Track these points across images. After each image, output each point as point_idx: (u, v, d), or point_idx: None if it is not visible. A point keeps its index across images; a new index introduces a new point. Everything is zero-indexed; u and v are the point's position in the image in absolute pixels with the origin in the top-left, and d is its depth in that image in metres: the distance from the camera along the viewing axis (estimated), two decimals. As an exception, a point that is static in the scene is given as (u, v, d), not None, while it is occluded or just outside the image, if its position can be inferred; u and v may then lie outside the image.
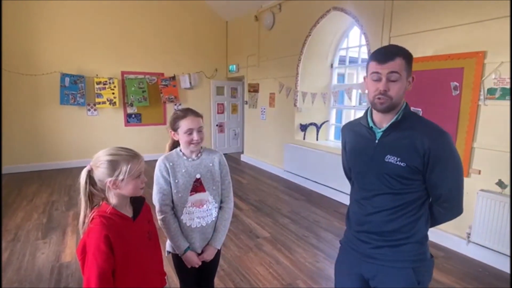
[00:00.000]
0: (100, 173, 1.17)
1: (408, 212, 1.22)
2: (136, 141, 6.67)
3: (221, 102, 7.71)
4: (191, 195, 1.60)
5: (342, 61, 5.45)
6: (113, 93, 6.34)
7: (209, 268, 1.75)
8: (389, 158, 1.20)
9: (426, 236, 1.28)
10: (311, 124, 5.39)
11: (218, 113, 7.69)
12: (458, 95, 3.01)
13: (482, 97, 2.85)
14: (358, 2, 4.03)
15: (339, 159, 1.66)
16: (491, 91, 2.80)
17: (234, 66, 7.23)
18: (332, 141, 5.50)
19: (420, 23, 3.32)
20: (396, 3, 3.56)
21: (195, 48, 7.21)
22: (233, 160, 7.18)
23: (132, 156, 1.21)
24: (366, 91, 1.26)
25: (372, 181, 1.26)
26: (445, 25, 3.10)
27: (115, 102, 6.37)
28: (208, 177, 1.63)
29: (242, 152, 7.43)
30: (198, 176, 1.61)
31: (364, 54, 4.48)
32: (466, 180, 3.01)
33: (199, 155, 1.64)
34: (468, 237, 2.98)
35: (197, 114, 1.58)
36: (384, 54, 1.16)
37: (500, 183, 2.77)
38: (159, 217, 1.59)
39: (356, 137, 1.35)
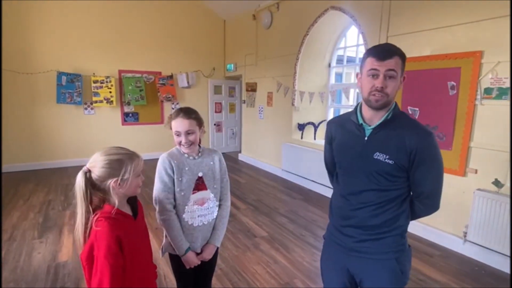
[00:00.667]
0: (102, 173, 1.14)
1: (392, 207, 1.26)
2: (133, 140, 6.64)
3: (218, 101, 7.70)
4: (193, 193, 1.59)
5: (339, 60, 5.46)
6: (110, 92, 6.31)
7: (207, 268, 1.74)
8: (378, 156, 1.22)
9: (406, 230, 1.33)
10: (308, 123, 5.39)
11: (215, 112, 7.68)
12: (455, 95, 3.03)
13: (479, 96, 2.86)
14: (356, 1, 4.03)
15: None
16: (487, 91, 2.81)
17: (232, 65, 7.22)
18: (329, 140, 5.49)
19: (417, 22, 3.33)
20: (394, 2, 3.57)
21: (192, 47, 7.19)
22: (230, 159, 7.18)
23: (133, 155, 1.21)
24: (359, 88, 1.27)
25: (359, 177, 1.28)
26: (442, 24, 3.11)
27: (112, 101, 6.35)
28: (209, 175, 1.64)
29: (240, 151, 7.43)
30: (200, 174, 1.61)
31: (362, 53, 4.48)
32: (463, 179, 3.05)
33: (199, 154, 1.64)
34: (465, 236, 3.00)
35: (188, 116, 1.53)
36: (383, 51, 1.18)
37: (496, 183, 2.79)
38: (161, 216, 1.55)
39: (344, 133, 1.36)
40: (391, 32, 3.62)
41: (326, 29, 4.99)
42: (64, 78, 5.89)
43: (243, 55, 6.74)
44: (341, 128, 1.38)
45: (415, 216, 1.35)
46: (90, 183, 1.15)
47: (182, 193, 1.57)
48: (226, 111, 7.85)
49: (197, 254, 1.63)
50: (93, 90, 6.18)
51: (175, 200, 1.58)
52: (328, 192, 4.62)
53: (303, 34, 5.02)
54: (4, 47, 5.44)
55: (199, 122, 1.58)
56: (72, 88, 5.98)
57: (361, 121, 1.28)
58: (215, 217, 1.68)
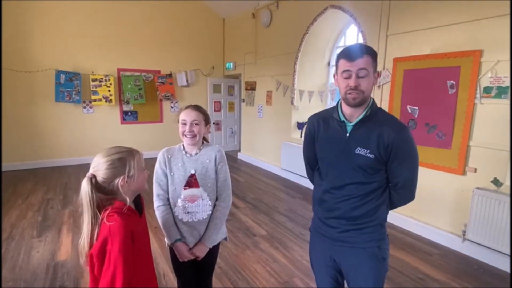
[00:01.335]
0: (107, 174, 1.14)
1: (373, 198, 1.34)
2: (132, 139, 6.63)
3: (218, 100, 7.69)
4: (184, 189, 1.63)
5: (339, 59, 5.44)
6: (109, 91, 6.29)
7: (206, 265, 1.75)
8: (359, 150, 1.30)
9: (386, 219, 1.41)
10: (308, 122, 5.38)
11: (215, 111, 7.67)
12: (454, 94, 3.03)
13: (478, 95, 2.86)
14: (356, 0, 4.02)
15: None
16: (487, 90, 2.81)
17: (231, 63, 7.21)
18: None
19: (417, 21, 3.33)
20: (393, 1, 3.56)
21: (191, 46, 7.17)
22: (230, 158, 7.17)
23: (132, 151, 1.23)
24: (337, 88, 1.35)
25: (343, 172, 1.35)
26: (442, 23, 3.11)
27: (111, 100, 6.33)
28: (203, 173, 1.64)
29: (239, 150, 7.43)
30: (193, 171, 1.63)
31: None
32: (462, 178, 3.05)
33: (197, 151, 1.67)
34: (464, 235, 3.00)
35: (197, 109, 1.64)
36: (353, 52, 1.25)
37: (495, 181, 2.79)
38: (155, 206, 1.65)
39: (327, 130, 1.42)
40: (390, 31, 3.61)
41: (325, 28, 4.98)
42: (62, 76, 5.87)
43: (243, 54, 6.73)
44: (324, 124, 1.44)
45: (393, 205, 1.42)
46: (96, 187, 1.14)
47: (173, 188, 1.63)
48: (225, 110, 7.84)
49: (190, 249, 1.67)
50: (92, 89, 6.16)
51: (168, 193, 1.65)
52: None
53: (303, 33, 5.01)
54: (3, 46, 5.42)
55: (206, 118, 1.66)
56: (71, 86, 5.96)
57: (342, 118, 1.35)
58: (207, 216, 1.67)
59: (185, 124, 1.60)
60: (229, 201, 1.73)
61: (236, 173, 5.92)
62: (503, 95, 2.71)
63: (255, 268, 2.73)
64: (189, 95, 7.26)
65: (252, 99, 6.54)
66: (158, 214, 1.64)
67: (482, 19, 2.81)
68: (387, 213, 1.40)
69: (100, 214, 1.13)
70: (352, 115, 1.33)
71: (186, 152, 1.66)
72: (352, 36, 4.98)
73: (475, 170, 2.95)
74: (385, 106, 3.62)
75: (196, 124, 1.60)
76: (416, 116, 3.36)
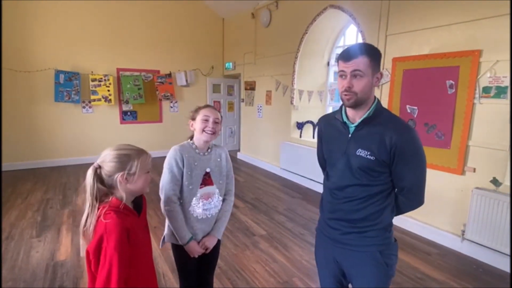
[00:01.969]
0: (110, 167, 1.17)
1: (375, 202, 1.30)
2: (131, 138, 6.61)
3: (217, 100, 7.69)
4: (200, 187, 1.64)
5: (338, 59, 5.44)
6: (108, 90, 6.28)
7: (209, 260, 1.78)
8: (360, 152, 1.27)
9: (391, 224, 1.36)
10: (307, 122, 5.39)
11: (218, 114, 7.65)
12: (453, 94, 3.03)
13: (477, 95, 2.87)
14: (355, 0, 4.03)
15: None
16: (486, 90, 2.81)
17: (231, 63, 7.21)
18: (328, 139, 5.50)
19: (416, 21, 3.33)
20: (393, 1, 3.57)
21: (191, 45, 7.17)
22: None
23: (141, 151, 1.24)
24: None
25: (344, 173, 1.33)
26: (441, 23, 3.11)
27: (110, 99, 6.32)
28: (216, 171, 1.70)
29: (239, 150, 7.42)
30: (208, 170, 1.67)
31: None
32: (461, 178, 3.06)
33: (209, 150, 1.70)
34: (463, 235, 3.01)
35: (216, 110, 1.70)
36: (348, 53, 1.24)
37: (494, 181, 2.80)
38: (166, 207, 1.60)
39: (332, 131, 1.42)
40: (389, 31, 3.62)
41: (325, 28, 4.98)
42: (62, 76, 5.86)
43: (242, 54, 6.73)
44: (329, 125, 1.45)
45: (400, 211, 1.38)
46: (99, 178, 1.17)
47: (190, 187, 1.62)
48: (224, 110, 7.84)
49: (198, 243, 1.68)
50: (91, 89, 6.15)
51: (181, 192, 1.62)
52: (327, 191, 4.62)
53: (302, 33, 5.01)
54: (2, 46, 5.41)
55: (221, 120, 1.71)
56: (70, 86, 5.95)
57: (345, 119, 1.34)
58: (218, 211, 1.73)
59: (207, 120, 1.61)
60: (233, 196, 1.83)
61: (235, 173, 5.89)
62: (502, 95, 2.71)
63: (254, 268, 2.73)
64: (189, 95, 7.26)
65: (252, 99, 6.54)
66: (170, 214, 1.59)
67: (481, 19, 2.81)
68: (392, 217, 1.35)
69: (97, 207, 1.16)
70: (354, 116, 1.31)
71: (199, 151, 1.66)
72: (352, 36, 4.99)
73: (474, 170, 2.95)
74: (384, 106, 3.62)
75: (216, 122, 1.64)
76: (415, 116, 3.37)
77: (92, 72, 6.17)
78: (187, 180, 1.60)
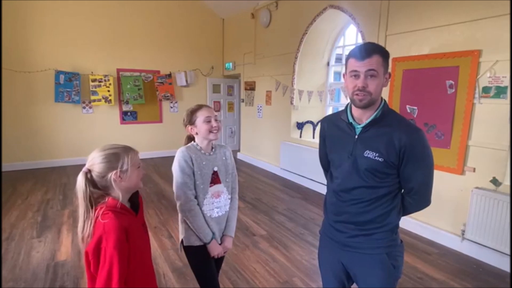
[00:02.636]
0: (101, 168, 1.16)
1: (383, 204, 1.29)
2: (131, 139, 6.62)
3: (217, 100, 7.70)
4: (210, 186, 1.67)
5: (338, 59, 5.46)
6: (108, 91, 6.29)
7: (219, 259, 1.81)
8: (368, 153, 1.25)
9: (397, 225, 1.35)
10: (307, 122, 5.40)
11: (214, 111, 7.65)
12: (453, 94, 3.03)
13: (477, 95, 2.87)
14: (355, 0, 4.03)
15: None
16: (486, 90, 2.82)
17: (231, 63, 7.21)
18: (328, 139, 5.50)
19: (416, 21, 3.33)
20: (392, 1, 3.57)
21: (191, 46, 7.17)
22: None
23: (128, 148, 1.25)
24: (345, 88, 1.32)
25: (351, 174, 1.31)
26: (441, 23, 3.12)
27: (110, 100, 6.33)
28: (222, 169, 1.72)
29: (239, 150, 7.43)
30: (215, 169, 1.69)
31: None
32: (461, 178, 3.06)
33: (213, 149, 1.73)
34: (463, 234, 3.01)
35: (209, 106, 1.71)
36: (362, 51, 1.20)
37: (494, 181, 2.80)
38: (185, 207, 1.59)
39: (336, 132, 1.39)
40: (389, 31, 3.62)
41: (324, 28, 4.99)
42: (62, 76, 5.87)
43: (242, 54, 6.73)
44: (333, 126, 1.42)
45: (406, 211, 1.37)
46: (91, 182, 1.17)
47: (202, 186, 1.63)
48: (224, 110, 7.84)
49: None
50: (91, 89, 6.16)
51: (195, 192, 1.64)
52: (327, 191, 4.62)
53: (302, 33, 5.02)
54: (3, 46, 5.41)
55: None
56: (70, 87, 5.96)
57: (351, 120, 1.32)
58: (228, 209, 1.76)
59: (209, 121, 1.63)
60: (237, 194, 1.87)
61: (235, 173, 5.91)
62: (502, 95, 2.72)
63: (254, 267, 2.73)
64: (189, 95, 7.26)
65: (252, 99, 6.55)
66: (192, 214, 1.59)
67: (481, 19, 2.82)
68: (399, 219, 1.34)
69: (94, 210, 1.15)
70: (361, 117, 1.29)
71: (204, 152, 1.68)
72: (351, 36, 4.99)
73: (474, 169, 2.96)
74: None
75: (216, 119, 1.67)
76: (415, 116, 3.37)
77: (92, 72, 6.18)
78: (198, 179, 1.62)
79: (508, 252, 2.69)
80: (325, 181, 1.52)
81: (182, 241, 1.68)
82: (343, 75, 1.32)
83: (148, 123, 6.97)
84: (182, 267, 2.69)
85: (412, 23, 3.37)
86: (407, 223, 3.50)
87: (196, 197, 1.63)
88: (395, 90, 3.56)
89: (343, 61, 5.33)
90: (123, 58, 6.50)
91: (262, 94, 6.18)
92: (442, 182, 3.18)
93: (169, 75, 6.92)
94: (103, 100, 6.28)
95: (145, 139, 6.88)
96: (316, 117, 5.46)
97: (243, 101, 6.92)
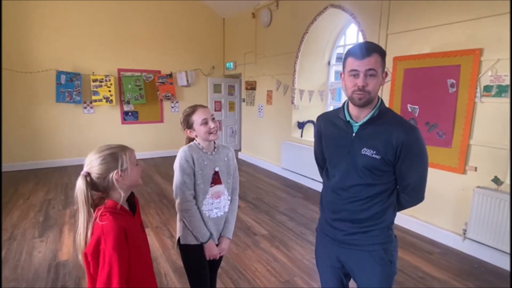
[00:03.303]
0: (101, 170, 1.16)
1: (380, 201, 1.31)
2: (133, 139, 6.64)
3: (218, 100, 7.70)
4: (211, 186, 1.66)
5: (339, 58, 5.44)
6: (109, 91, 6.30)
7: (216, 260, 1.78)
8: (365, 151, 1.27)
9: (393, 222, 1.38)
10: (308, 121, 5.39)
11: (215, 110, 7.67)
12: (454, 93, 3.03)
13: (478, 94, 2.86)
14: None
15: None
16: (487, 89, 2.81)
17: (231, 63, 7.21)
18: (329, 138, 5.50)
19: (417, 20, 3.33)
20: (393, 1, 3.56)
21: (192, 46, 7.17)
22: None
23: (124, 146, 1.25)
24: (343, 87, 1.33)
25: (349, 172, 1.32)
26: (442, 22, 3.11)
27: (111, 100, 6.34)
28: (224, 170, 1.71)
29: (240, 150, 7.43)
30: (216, 169, 1.68)
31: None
32: (462, 177, 3.05)
33: (215, 149, 1.71)
34: (464, 234, 3.00)
35: (204, 106, 1.68)
36: (361, 50, 1.20)
37: (496, 180, 2.79)
38: (183, 207, 1.59)
39: (333, 130, 1.40)
40: (390, 30, 3.61)
41: (325, 27, 4.98)
42: (63, 77, 5.88)
43: (243, 54, 6.73)
44: (330, 124, 1.43)
45: (401, 207, 1.41)
46: (91, 185, 1.17)
47: (202, 186, 1.63)
48: (225, 110, 7.84)
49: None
50: (92, 89, 6.17)
51: (195, 191, 1.64)
52: (328, 190, 4.62)
53: (303, 32, 5.01)
54: (3, 46, 5.43)
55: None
56: (71, 87, 5.97)
57: (348, 118, 1.33)
58: (227, 210, 1.75)
59: (206, 123, 1.61)
60: (238, 195, 1.85)
61: (236, 172, 5.92)
62: (503, 93, 2.71)
63: (256, 267, 2.74)
64: (190, 95, 7.27)
65: (253, 99, 6.55)
66: (189, 214, 1.59)
67: (482, 18, 2.81)
68: (394, 215, 1.37)
69: (94, 213, 1.15)
70: (358, 115, 1.30)
71: (206, 151, 1.66)
72: (352, 36, 4.98)
73: (476, 168, 2.95)
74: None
75: (214, 118, 1.65)
76: (416, 115, 3.36)
77: (93, 72, 6.18)
78: (199, 179, 1.61)
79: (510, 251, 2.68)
80: (325, 180, 1.52)
81: (179, 239, 1.69)
82: (341, 74, 1.33)
83: (149, 123, 6.98)
84: (183, 266, 2.69)
85: (413, 22, 3.37)
86: (408, 222, 3.50)
87: (195, 197, 1.63)
88: (396, 89, 3.55)
89: (344, 60, 5.33)
90: (124, 58, 6.51)
91: (263, 94, 6.17)
92: (444, 182, 3.17)
93: (170, 75, 6.93)
94: (104, 100, 6.29)
95: (146, 139, 6.89)
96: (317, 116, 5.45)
97: (244, 101, 6.92)
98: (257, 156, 6.62)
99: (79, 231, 1.15)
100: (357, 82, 1.20)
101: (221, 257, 1.83)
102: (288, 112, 5.53)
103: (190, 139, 1.72)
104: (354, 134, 1.31)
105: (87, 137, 6.26)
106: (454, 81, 3.01)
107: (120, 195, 1.19)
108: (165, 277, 2.57)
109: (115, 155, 1.19)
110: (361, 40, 4.13)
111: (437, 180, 3.19)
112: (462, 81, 2.96)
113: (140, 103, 6.70)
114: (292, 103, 5.37)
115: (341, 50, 5.27)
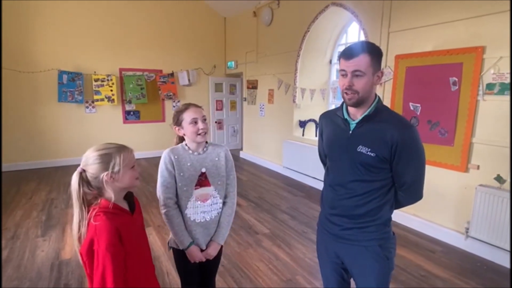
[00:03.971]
0: (94, 169, 1.16)
1: (376, 197, 1.33)
2: (134, 138, 6.65)
3: (219, 99, 7.70)
4: (195, 189, 1.59)
5: (341, 57, 5.43)
6: (111, 90, 6.31)
7: (210, 265, 1.73)
8: (361, 149, 1.29)
9: (390, 219, 1.39)
10: (310, 120, 5.39)
11: (216, 110, 7.68)
12: (457, 91, 3.01)
13: (481, 92, 2.85)
14: (357, -3, 4.02)
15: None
16: (489, 86, 2.80)
17: (233, 62, 7.20)
18: (331, 137, 5.49)
19: (419, 18, 3.31)
20: (395, -2, 3.55)
21: (193, 45, 7.17)
22: (232, 157, 7.17)
23: (122, 147, 1.23)
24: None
25: (345, 169, 1.35)
26: (444, 20, 3.09)
27: (113, 99, 6.35)
28: (213, 171, 1.62)
29: (241, 149, 7.43)
30: (203, 170, 1.60)
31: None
32: (465, 175, 3.04)
33: (204, 149, 1.64)
34: (467, 232, 3.00)
35: (198, 106, 1.62)
36: (349, 51, 1.24)
37: (498, 178, 2.78)
38: (162, 210, 1.58)
39: (332, 127, 1.44)
40: (392, 28, 3.60)
41: (327, 26, 4.97)
42: (65, 76, 5.90)
43: (244, 53, 6.73)
44: (330, 122, 1.46)
45: (399, 205, 1.41)
46: (86, 182, 1.17)
47: (184, 188, 1.57)
48: (227, 109, 7.85)
49: (202, 250, 1.63)
50: (94, 89, 6.18)
51: (177, 195, 1.59)
52: (330, 189, 4.61)
53: (304, 31, 5.00)
54: (4, 46, 5.45)
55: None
56: (73, 86, 5.98)
57: (346, 116, 1.36)
58: (218, 214, 1.66)
59: (196, 122, 1.55)
60: (236, 198, 1.76)
61: (238, 171, 5.92)
62: (506, 91, 2.69)
63: (257, 266, 2.74)
64: (191, 94, 7.27)
65: (254, 98, 6.54)
66: (167, 219, 1.57)
67: (484, 15, 2.79)
68: (391, 212, 1.38)
69: (88, 210, 1.16)
70: (355, 114, 1.33)
71: (192, 151, 1.61)
72: (354, 34, 4.97)
73: (478, 167, 2.94)
74: (387, 103, 3.61)
75: (205, 120, 1.58)
76: (418, 113, 3.35)
77: (95, 72, 6.20)
78: (180, 181, 1.56)
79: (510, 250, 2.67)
80: (327, 179, 1.52)
81: (168, 242, 1.68)
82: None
83: (151, 122, 6.99)
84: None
85: (415, 20, 3.35)
86: (410, 220, 3.49)
87: (177, 202, 1.58)
88: (398, 87, 3.54)
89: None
90: (126, 57, 6.52)
91: (265, 93, 6.17)
92: (446, 180, 3.16)
93: (172, 74, 6.94)
94: (106, 100, 6.30)
95: (148, 138, 6.90)
96: (319, 115, 5.44)
97: (245, 100, 6.92)
98: (259, 155, 6.62)
99: (74, 225, 1.16)
100: (344, 81, 1.25)
101: (216, 262, 1.75)
102: (289, 111, 5.52)
103: (181, 139, 1.67)
104: (350, 132, 1.33)
105: (89, 137, 6.28)
106: (456, 79, 3.00)
107: (110, 196, 1.17)
108: (167, 276, 2.57)
109: (108, 156, 1.17)
110: (362, 38, 4.12)
111: (439, 178, 3.18)
112: (465, 79, 2.95)
113: (141, 103, 6.71)
114: (294, 102, 5.36)
115: (343, 49, 5.25)
